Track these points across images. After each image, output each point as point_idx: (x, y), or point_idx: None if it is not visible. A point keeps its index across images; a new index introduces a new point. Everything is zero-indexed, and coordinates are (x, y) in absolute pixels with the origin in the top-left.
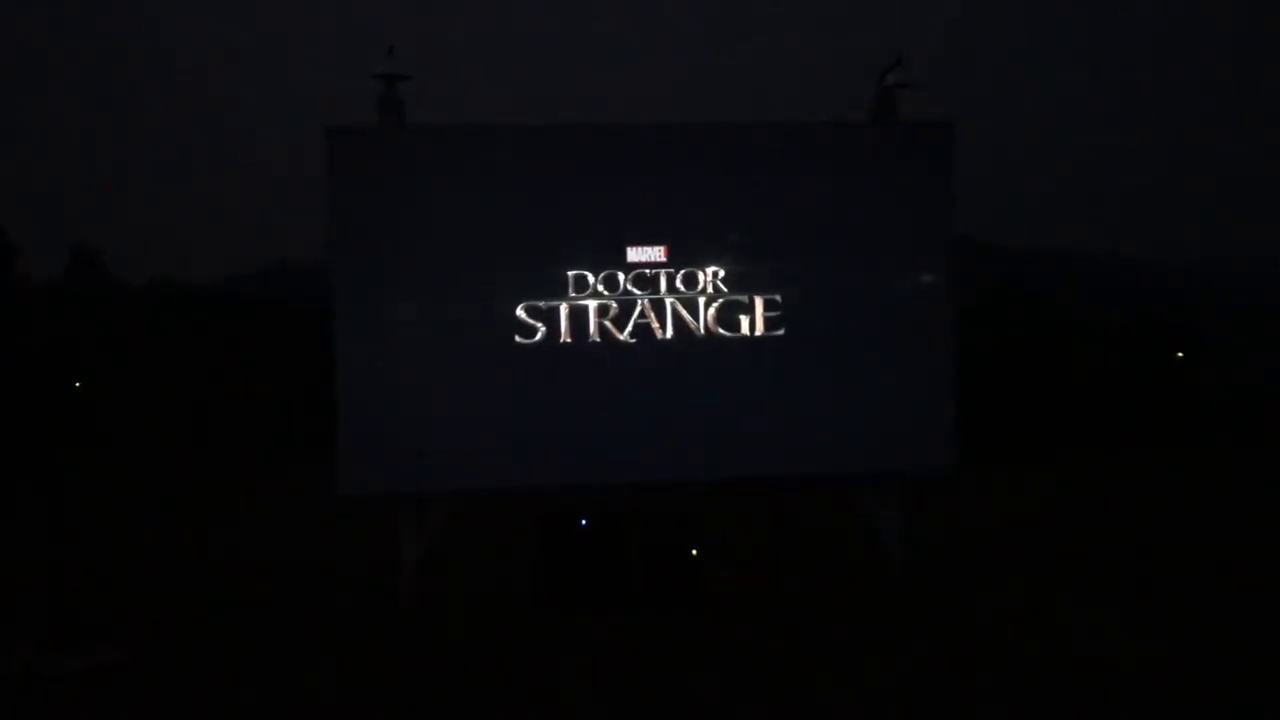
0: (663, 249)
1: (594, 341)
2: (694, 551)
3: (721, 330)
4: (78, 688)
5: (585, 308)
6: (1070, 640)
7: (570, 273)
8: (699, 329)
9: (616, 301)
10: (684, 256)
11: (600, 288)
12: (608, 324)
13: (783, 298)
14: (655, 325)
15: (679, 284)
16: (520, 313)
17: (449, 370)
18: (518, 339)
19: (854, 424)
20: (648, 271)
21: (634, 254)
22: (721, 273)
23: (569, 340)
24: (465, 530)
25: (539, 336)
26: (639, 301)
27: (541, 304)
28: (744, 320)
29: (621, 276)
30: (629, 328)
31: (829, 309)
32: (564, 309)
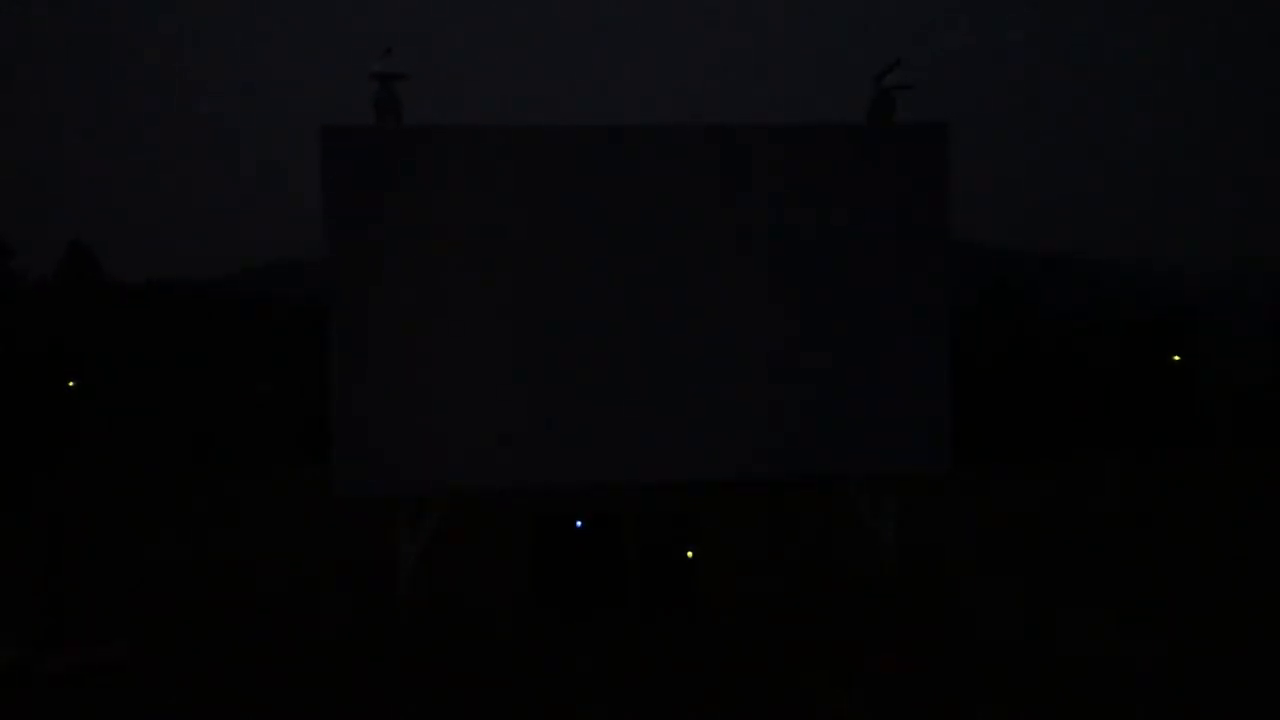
0: (659, 249)
1: (589, 343)
2: (689, 553)
3: (718, 332)
4: (74, 686)
5: (580, 309)
6: (1064, 640)
7: (565, 274)
8: (695, 330)
9: (612, 303)
10: (680, 257)
11: (595, 288)
12: (602, 325)
13: (779, 299)
14: (651, 327)
15: (674, 285)
16: (515, 313)
17: (445, 370)
18: (513, 340)
19: (848, 425)
20: (643, 272)
21: (629, 255)
22: (718, 274)
23: (564, 341)
24: (461, 531)
25: (534, 338)
26: (635, 303)
27: (537, 304)
28: (739, 322)
29: (617, 277)
30: (624, 329)
31: (824, 310)
32: (558, 310)
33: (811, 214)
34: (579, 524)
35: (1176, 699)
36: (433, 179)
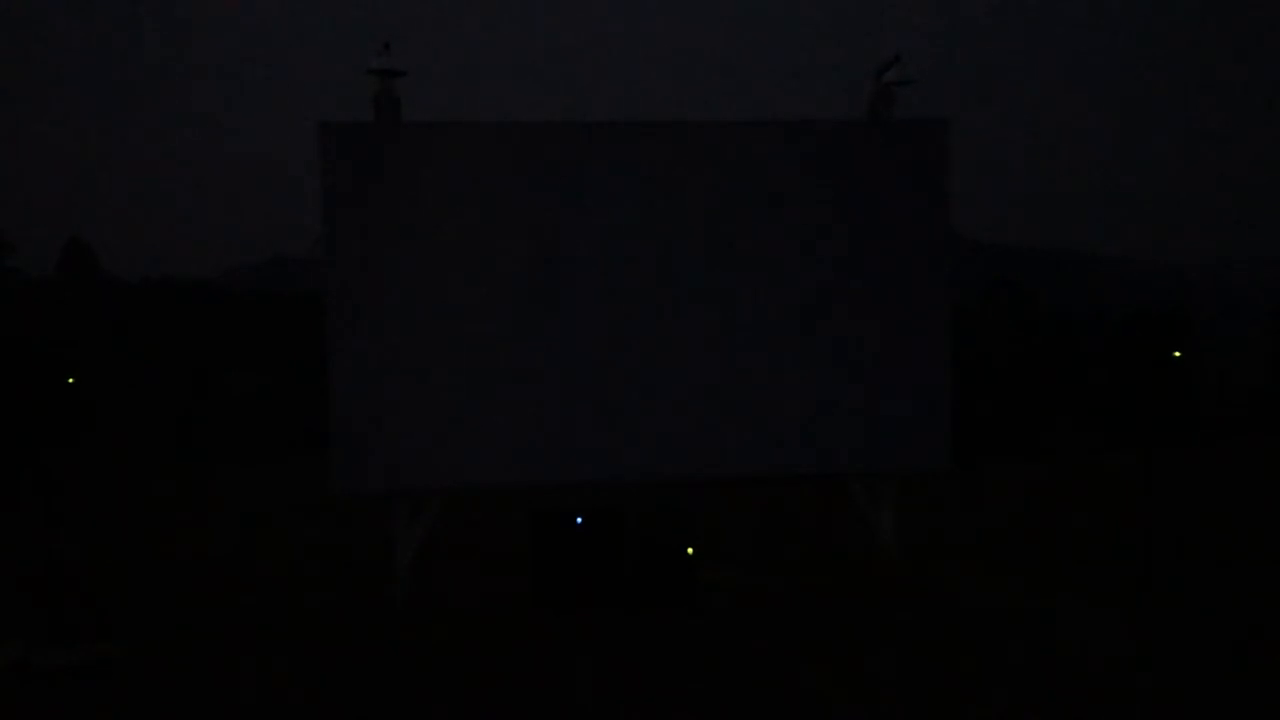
0: (659, 245)
1: (589, 338)
2: (689, 550)
3: (718, 329)
4: (72, 682)
5: (580, 304)
6: (1064, 637)
7: (565, 269)
8: (694, 328)
9: (612, 301)
10: (681, 253)
11: (595, 284)
12: (602, 322)
13: (779, 296)
14: (651, 323)
15: (675, 281)
16: (514, 310)
17: (442, 367)
18: (512, 337)
19: (849, 421)
20: (643, 269)
21: (629, 251)
22: (718, 271)
23: (563, 337)
24: (459, 527)
25: (533, 335)
26: (634, 299)
27: (536, 302)
28: (740, 319)
29: (618, 273)
30: (624, 325)
31: (825, 307)
32: (559, 305)
33: (812, 211)
34: (579, 520)
35: (1177, 697)
36: (431, 175)
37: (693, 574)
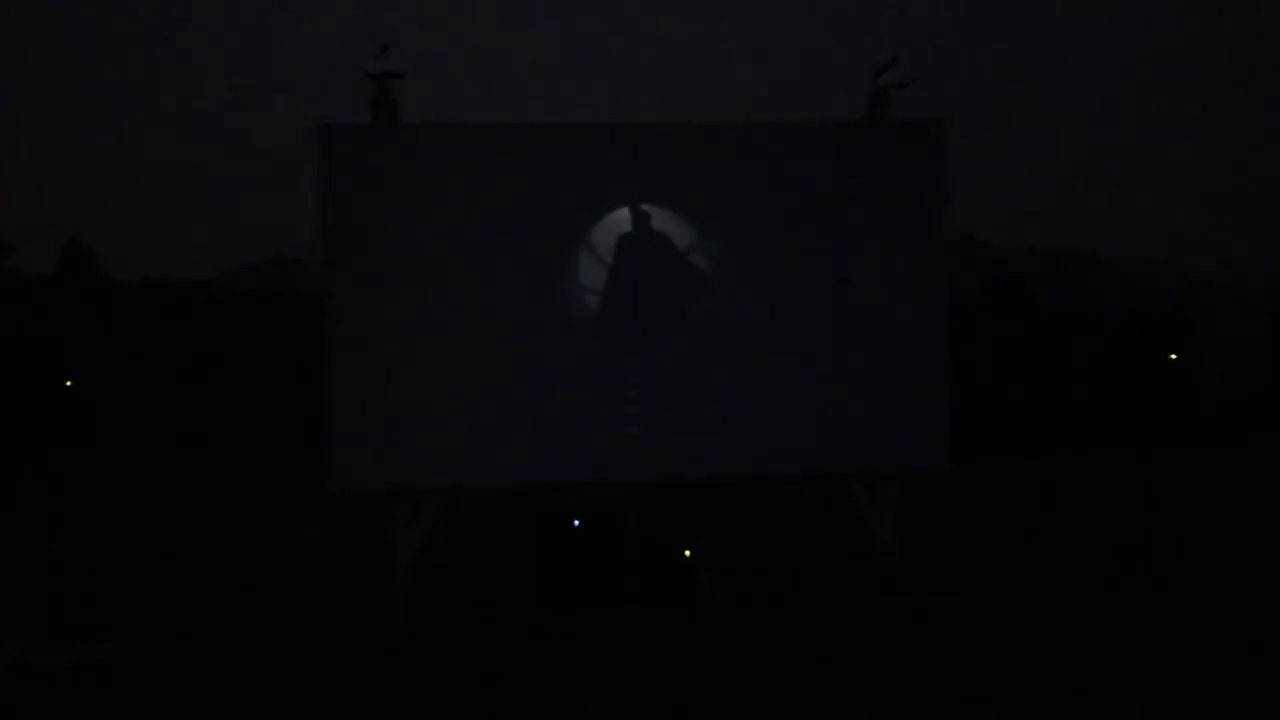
0: (658, 246)
1: (587, 339)
2: (687, 551)
3: (716, 330)
4: (72, 682)
5: (578, 305)
6: (1064, 637)
7: (563, 270)
8: (693, 328)
9: (610, 300)
10: (679, 254)
11: (594, 286)
12: (601, 321)
13: (778, 296)
14: (649, 323)
15: (673, 283)
16: (513, 310)
17: (442, 367)
18: (511, 336)
19: (848, 421)
20: (642, 270)
21: (628, 251)
22: (717, 271)
23: (562, 338)
24: (459, 528)
25: (532, 334)
26: (633, 300)
27: (535, 301)
28: (739, 319)
29: (616, 276)
30: (624, 328)
31: (824, 306)
32: (557, 306)
33: (810, 211)
34: (576, 523)
35: (1177, 697)
36: (430, 177)
37: (693, 574)
